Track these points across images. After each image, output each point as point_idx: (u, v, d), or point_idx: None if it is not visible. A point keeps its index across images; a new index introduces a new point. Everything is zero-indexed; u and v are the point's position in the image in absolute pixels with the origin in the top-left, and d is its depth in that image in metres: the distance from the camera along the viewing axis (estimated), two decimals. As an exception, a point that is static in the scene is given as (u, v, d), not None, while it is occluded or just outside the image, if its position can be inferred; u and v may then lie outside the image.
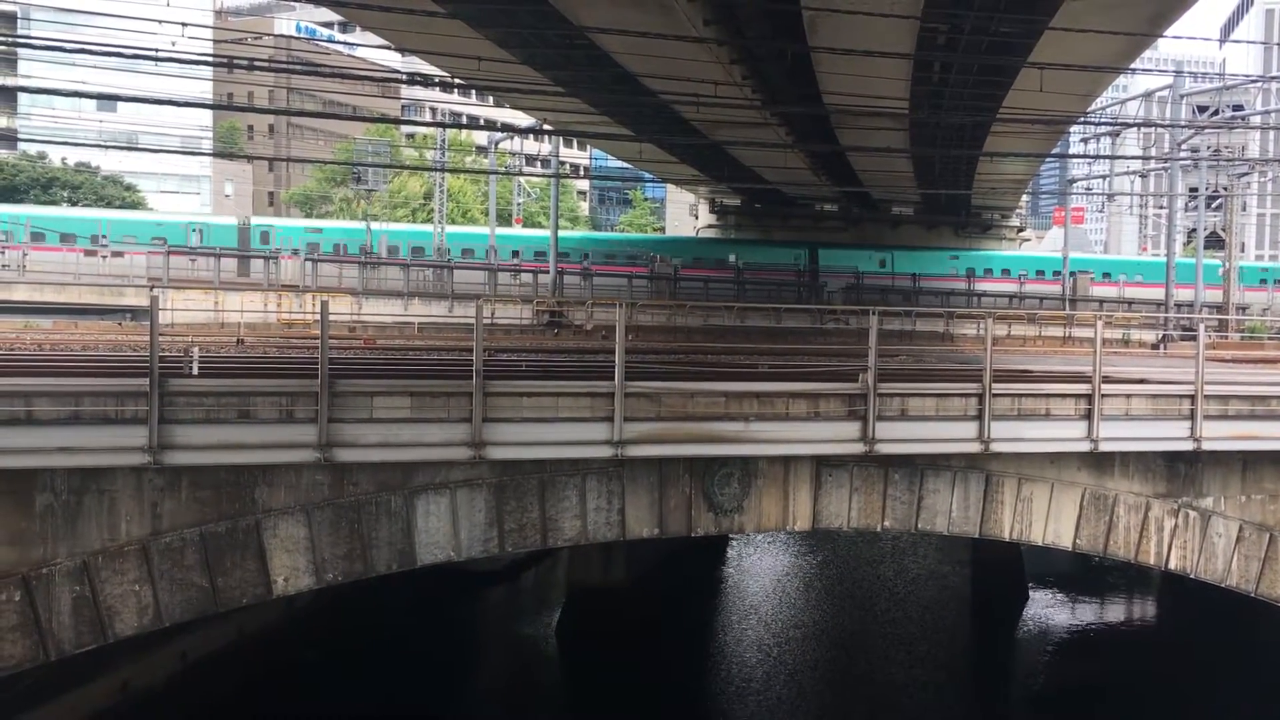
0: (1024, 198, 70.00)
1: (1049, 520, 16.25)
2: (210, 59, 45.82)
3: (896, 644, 28.18)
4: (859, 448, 15.10)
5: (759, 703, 23.63)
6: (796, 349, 24.30)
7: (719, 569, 34.10)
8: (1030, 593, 31.49)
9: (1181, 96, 52.69)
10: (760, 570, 35.10)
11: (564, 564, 28.50)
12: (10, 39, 38.31)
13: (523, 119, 61.31)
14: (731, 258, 60.16)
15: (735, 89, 29.41)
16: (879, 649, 27.78)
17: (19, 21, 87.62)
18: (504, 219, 72.69)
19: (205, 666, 20.88)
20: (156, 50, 20.88)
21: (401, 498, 13.77)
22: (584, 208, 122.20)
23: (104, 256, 48.47)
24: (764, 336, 37.67)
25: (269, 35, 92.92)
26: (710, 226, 66.70)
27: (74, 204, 75.21)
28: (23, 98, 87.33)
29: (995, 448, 15.56)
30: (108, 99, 21.55)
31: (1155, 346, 40.27)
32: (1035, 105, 27.92)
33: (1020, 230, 69.19)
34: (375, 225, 62.30)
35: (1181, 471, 16.67)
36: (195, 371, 14.26)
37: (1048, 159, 60.52)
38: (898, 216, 60.83)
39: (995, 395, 15.51)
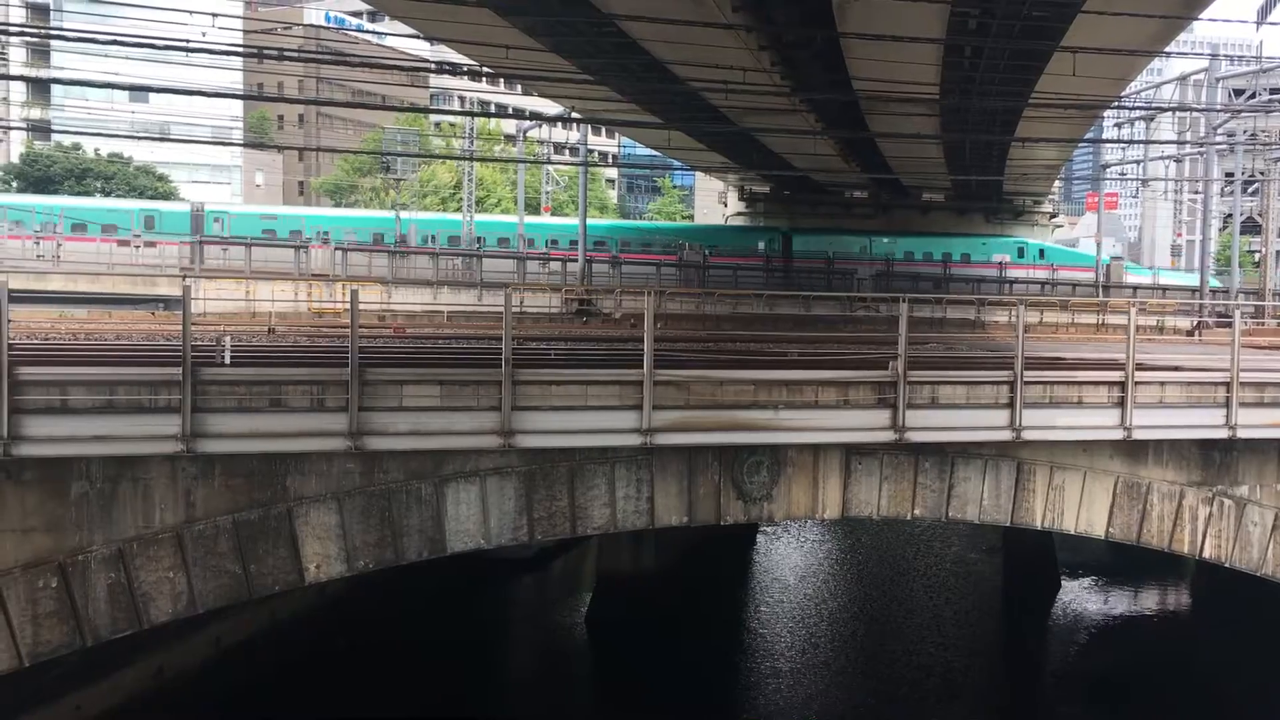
0: (1056, 183, 69.32)
1: (1081, 509, 16.12)
2: (240, 49, 46.09)
3: (927, 630, 28.09)
4: (889, 436, 15.03)
5: (790, 688, 23.64)
6: (826, 336, 24.20)
7: (749, 556, 34.09)
8: (1062, 581, 31.30)
9: (1217, 80, 52.04)
10: (790, 558, 35.07)
11: (593, 552, 28.57)
12: (44, 31, 38.63)
13: (551, 107, 61.34)
14: (760, 245, 59.99)
15: (764, 75, 29.26)
16: (909, 635, 27.69)
17: (51, 13, 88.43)
18: (533, 208, 72.88)
19: (239, 652, 21.10)
20: (188, 41, 20.99)
21: (431, 486, 13.83)
22: (612, 196, 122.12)
23: (137, 246, 48.90)
24: (793, 324, 37.54)
25: (299, 25, 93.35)
26: (739, 214, 66.49)
27: (107, 194, 75.93)
28: (56, 89, 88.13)
29: (1027, 435, 15.44)
30: (139, 90, 21.69)
31: (1190, 333, 39.85)
32: (1068, 90, 27.64)
33: (1053, 216, 68.56)
34: (404, 214, 62.49)
35: (1216, 460, 16.49)
36: (227, 360, 14.34)
37: (1081, 144, 59.86)
38: (928, 203, 60.42)
39: (1027, 383, 15.39)
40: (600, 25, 27.86)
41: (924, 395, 15.18)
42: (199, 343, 14.83)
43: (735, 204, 67.26)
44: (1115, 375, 15.91)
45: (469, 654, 24.55)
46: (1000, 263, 59.22)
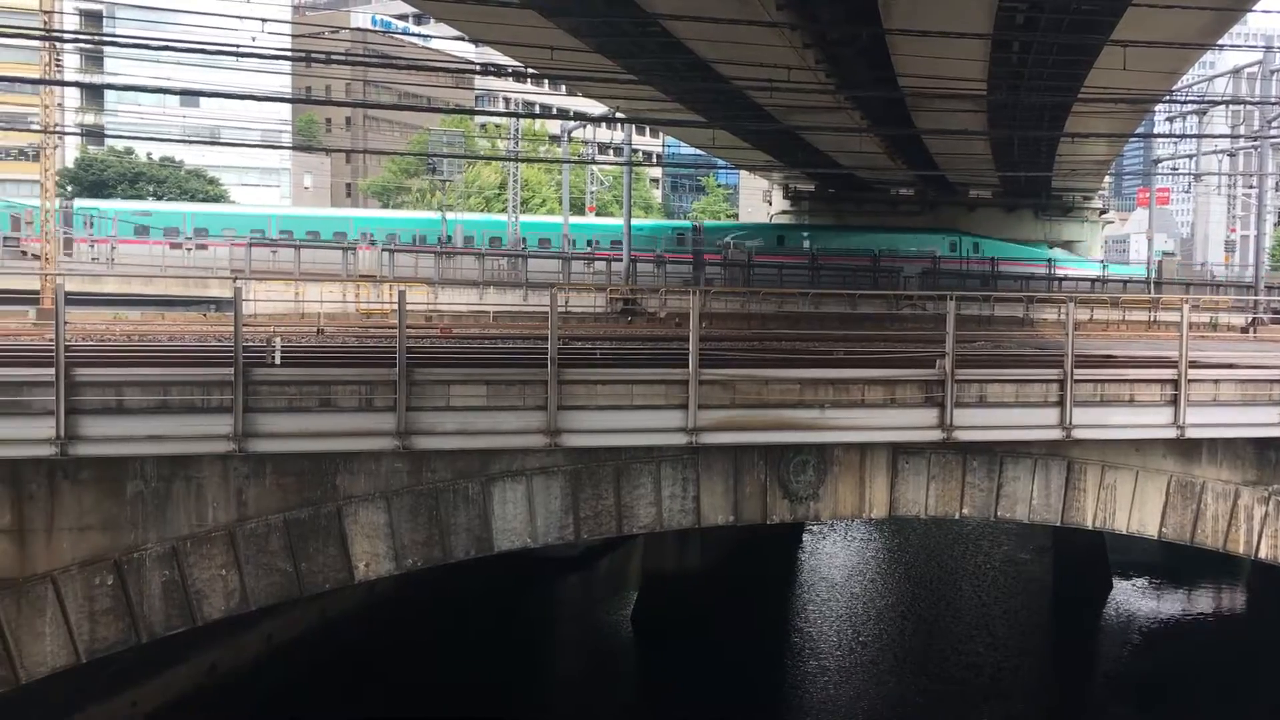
0: (1107, 179, 68.39)
1: (1133, 508, 15.91)
2: (289, 54, 46.58)
3: (975, 630, 27.86)
4: (936, 435, 14.93)
5: (837, 687, 23.55)
6: (872, 335, 24.07)
7: (795, 556, 33.97)
8: (1114, 581, 30.90)
9: (1272, 72, 51.07)
10: (836, 557, 34.92)
11: (639, 551, 28.60)
12: (97, 37, 39.29)
13: (595, 107, 61.45)
14: (805, 243, 59.64)
15: (809, 73, 29.13)
16: (957, 635, 27.48)
17: (104, 20, 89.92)
18: (577, 208, 73.06)
19: (290, 649, 21.35)
20: (237, 46, 21.28)
21: (479, 485, 13.91)
22: (656, 195, 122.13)
23: (189, 249, 49.60)
24: (838, 323, 37.35)
25: (346, 29, 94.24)
26: (784, 212, 66.27)
27: (159, 198, 77.08)
28: (109, 95, 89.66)
29: (1077, 434, 15.27)
30: (190, 95, 22.01)
31: (1245, 330, 39.17)
32: (1118, 84, 27.26)
33: (1103, 212, 67.66)
34: (449, 215, 62.88)
35: (1272, 459, 16.20)
36: (278, 361, 14.51)
37: (1131, 139, 59.03)
38: (975, 199, 59.86)
39: (1077, 381, 15.22)
40: (644, 25, 27.88)
41: (972, 394, 15.07)
42: (250, 343, 15.02)
43: (780, 202, 67.03)
44: (1168, 373, 15.69)
45: (515, 652, 24.67)
46: (933, 256, 58.03)
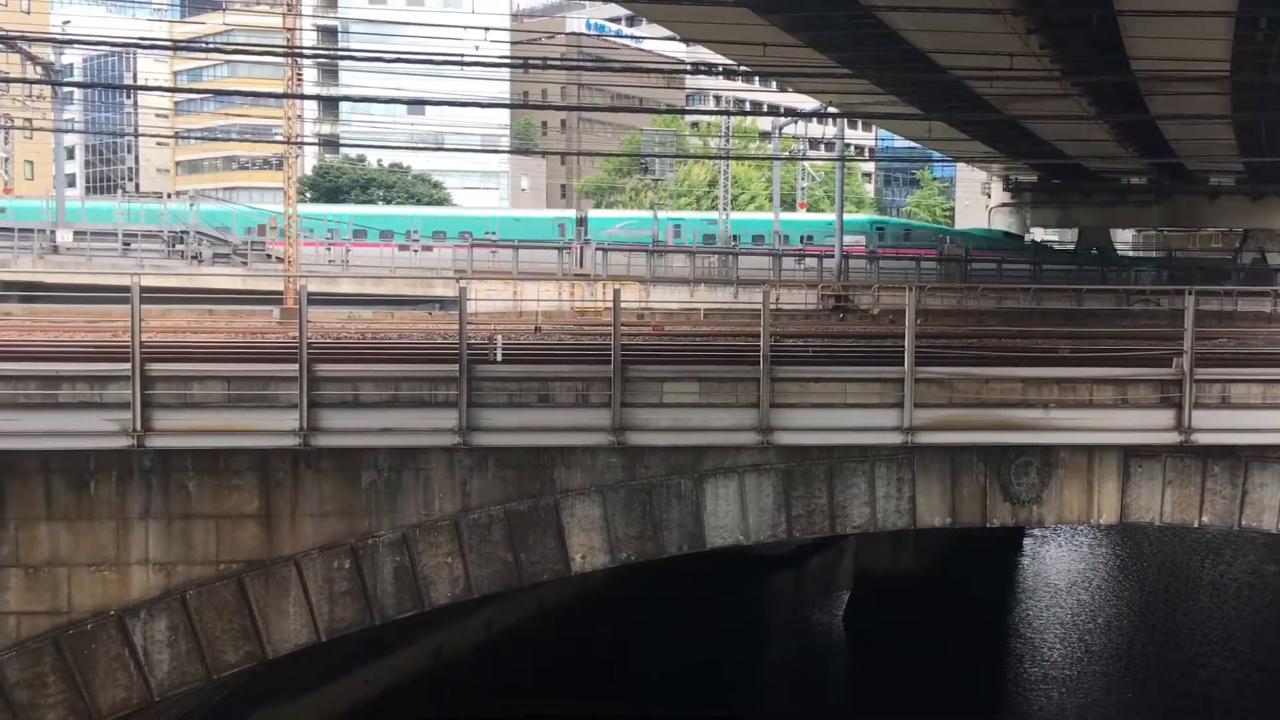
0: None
1: (1400, 520, 14.59)
2: (508, 61, 48.18)
3: (1214, 644, 26.18)
4: (1173, 437, 14.13)
5: (1061, 696, 22.62)
6: (1100, 332, 22.95)
7: (1015, 560, 32.76)
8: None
9: None
10: (1060, 562, 33.47)
11: (851, 550, 28.20)
12: (334, 52, 41.65)
13: (806, 102, 60.88)
14: (1028, 238, 57.46)
15: (1032, 60, 27.99)
16: (1194, 647, 25.89)
17: (339, 35, 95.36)
18: (787, 204, 72.56)
19: (508, 636, 22.10)
20: (461, 55, 22.16)
21: (691, 481, 14.04)
22: (869, 190, 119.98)
23: (415, 250, 51.97)
24: (1062, 319, 35.77)
25: (561, 34, 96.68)
26: (1004, 205, 63.99)
27: (388, 202, 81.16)
28: (343, 105, 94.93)
29: (1336, 439, 14.14)
30: (417, 103, 23.08)
31: None
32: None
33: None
34: (660, 213, 63.57)
35: None
36: (499, 358, 15.02)
37: (1396, 117, 54.07)
38: (1216, 187, 56.12)
39: (1334, 381, 14.09)
40: (859, 18, 27.44)
41: (1213, 394, 14.21)
42: (472, 341, 15.61)
43: (1000, 194, 64.74)
44: None
45: (726, 649, 24.75)
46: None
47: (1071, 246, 65.85)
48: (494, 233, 53.50)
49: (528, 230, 54.18)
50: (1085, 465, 14.55)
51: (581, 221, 57.33)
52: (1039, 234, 72.33)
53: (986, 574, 30.42)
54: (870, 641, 25.21)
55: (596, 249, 47.81)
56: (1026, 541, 34.35)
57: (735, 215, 64.26)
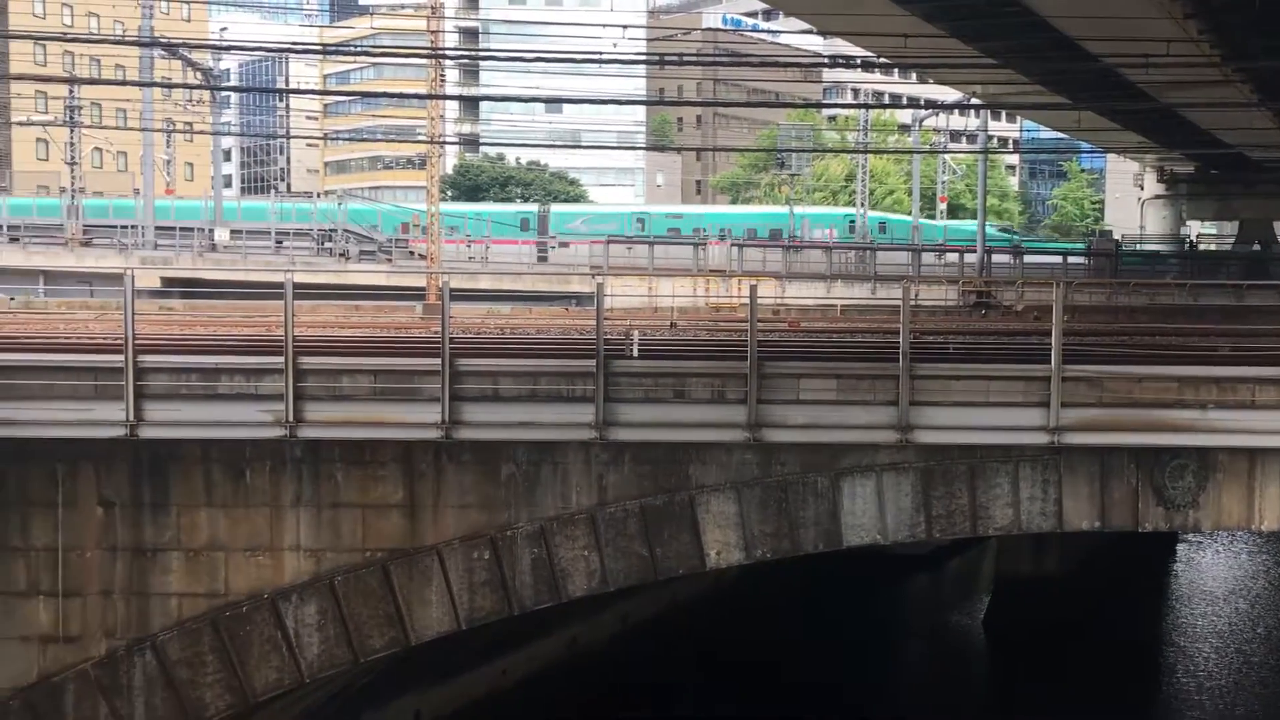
0: None
1: None
2: (644, 57, 48.41)
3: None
4: (1343, 441, 13.36)
5: (1216, 708, 21.65)
6: (1262, 330, 21.84)
7: (1167, 566, 31.49)
8: None
9: None
10: (1216, 569, 32.05)
11: (991, 552, 27.51)
12: (476, 53, 42.47)
13: (947, 94, 59.54)
14: (1186, 232, 55.23)
15: (1190, 45, 26.82)
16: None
17: (480, 36, 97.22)
18: (927, 199, 71.21)
19: (643, 629, 22.23)
20: (599, 53, 22.35)
21: (827, 479, 13.88)
22: (1013, 183, 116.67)
23: (552, 247, 52.71)
24: (1221, 316, 34.19)
25: (697, 30, 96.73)
26: (1158, 197, 61.47)
27: (525, 200, 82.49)
28: (483, 105, 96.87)
29: None
30: (556, 102, 23.40)
31: None
32: None
33: None
34: (797, 209, 63.07)
35: None
36: (635, 354, 15.10)
37: None
38: (1391, 177, 52.87)
39: None
40: (1003, 5, 26.72)
41: (1386, 395, 13.35)
42: (608, 336, 15.74)
43: (1153, 186, 62.18)
44: None
45: (862, 647, 24.43)
46: None
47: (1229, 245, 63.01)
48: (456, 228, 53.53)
49: (495, 224, 55.00)
50: (1246, 469, 13.86)
51: (544, 216, 58.10)
52: (1194, 227, 69.40)
53: (1136, 580, 29.30)
54: (1012, 647, 24.55)
55: (731, 244, 47.70)
56: (1180, 547, 32.97)
57: (873, 213, 63.29)
